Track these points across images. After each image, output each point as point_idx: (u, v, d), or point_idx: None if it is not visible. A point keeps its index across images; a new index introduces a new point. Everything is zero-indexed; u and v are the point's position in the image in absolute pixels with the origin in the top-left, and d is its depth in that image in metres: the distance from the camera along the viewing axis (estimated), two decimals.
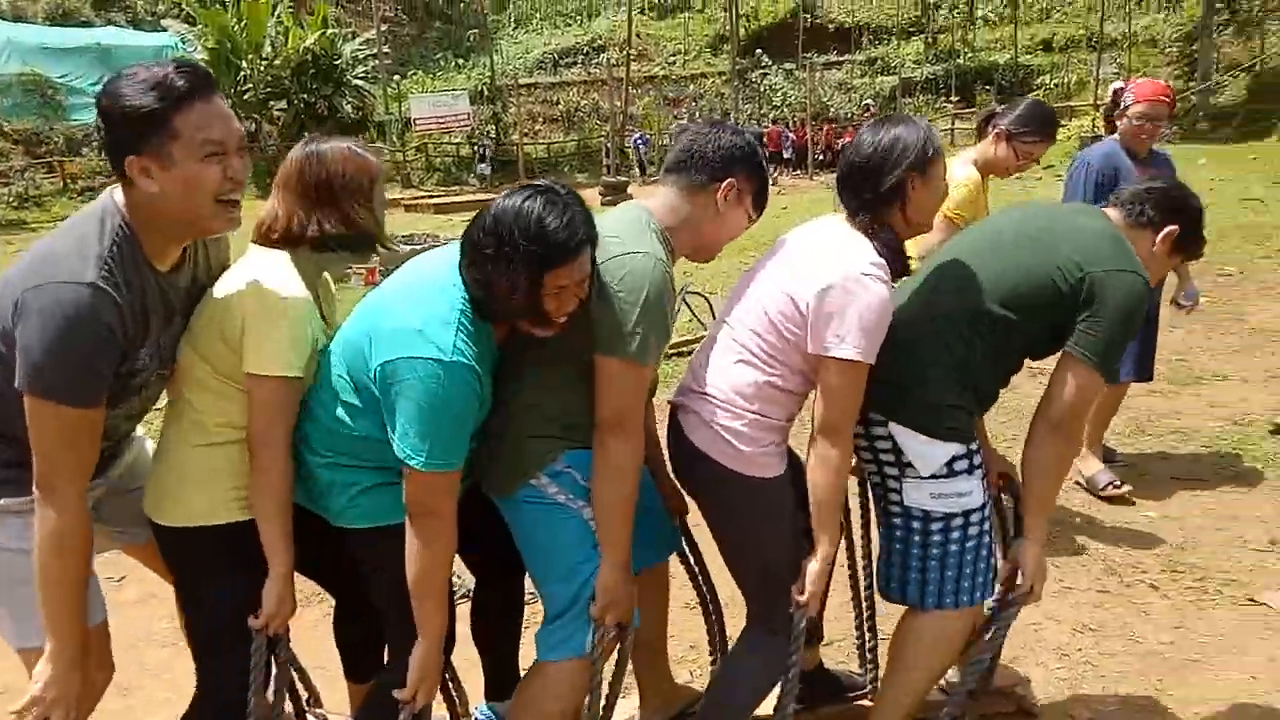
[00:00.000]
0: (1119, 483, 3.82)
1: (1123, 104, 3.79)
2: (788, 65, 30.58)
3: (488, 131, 29.26)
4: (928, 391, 2.00)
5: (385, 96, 28.27)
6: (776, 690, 2.14)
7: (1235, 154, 18.13)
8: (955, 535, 2.04)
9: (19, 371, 1.64)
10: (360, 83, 29.56)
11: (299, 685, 2.44)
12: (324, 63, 28.01)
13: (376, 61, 28.55)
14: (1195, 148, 19.47)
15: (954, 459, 2.01)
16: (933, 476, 2.01)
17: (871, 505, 2.26)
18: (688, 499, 2.26)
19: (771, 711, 2.16)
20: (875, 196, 1.96)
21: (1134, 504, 3.78)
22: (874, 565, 2.25)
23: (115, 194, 1.74)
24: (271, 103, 28.37)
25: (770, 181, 2.14)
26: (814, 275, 1.92)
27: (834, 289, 1.88)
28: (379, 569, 1.95)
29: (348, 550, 2.00)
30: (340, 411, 1.87)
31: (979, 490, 2.05)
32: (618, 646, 2.02)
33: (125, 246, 1.70)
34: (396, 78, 30.33)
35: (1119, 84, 4.07)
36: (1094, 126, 20.48)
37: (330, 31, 28.58)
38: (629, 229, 1.90)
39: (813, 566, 1.99)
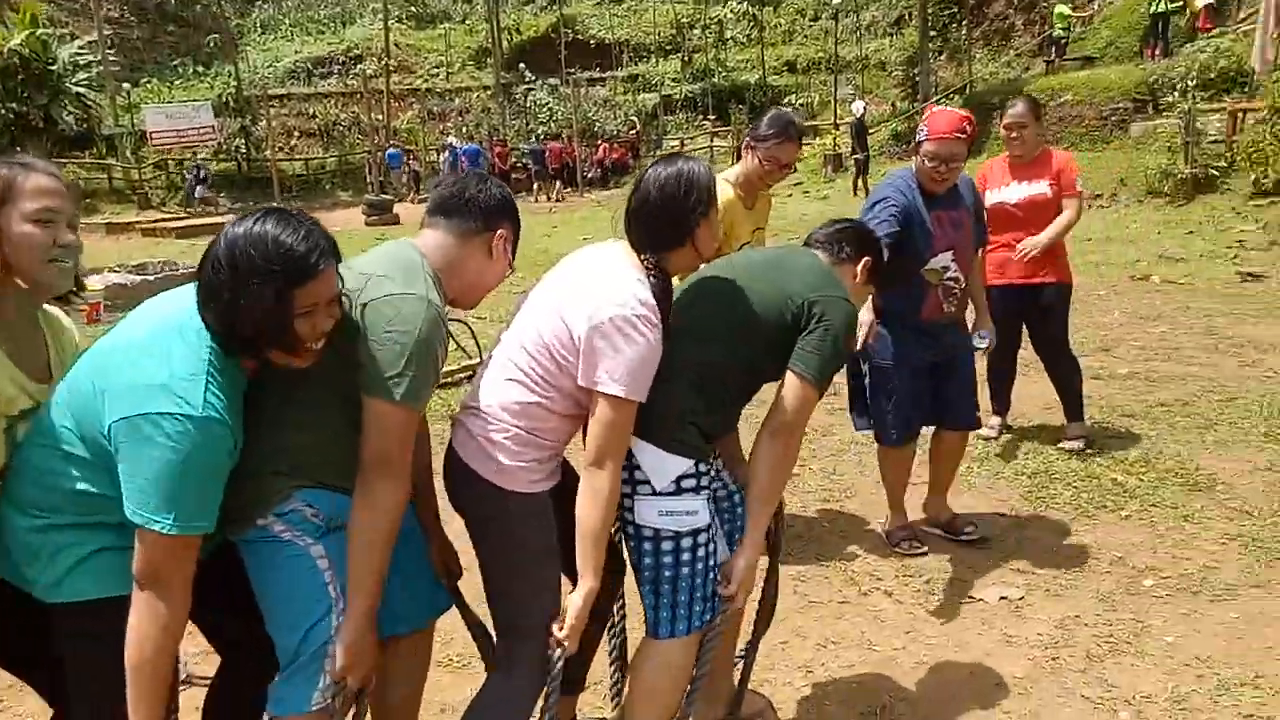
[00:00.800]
0: (919, 544, 3.70)
1: (917, 136, 3.47)
2: (552, 81, 30.84)
3: (237, 146, 27.31)
4: (658, 405, 2.03)
5: (114, 107, 25.71)
6: None
7: None
8: (685, 556, 2.10)
9: None
10: (83, 90, 26.66)
11: None
12: (36, 67, 25.01)
13: (101, 68, 25.92)
14: None
15: (683, 476, 2.08)
16: (662, 493, 2.07)
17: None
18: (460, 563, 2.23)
19: None
20: (672, 237, 2.05)
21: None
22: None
23: None
24: None
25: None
26: (589, 307, 1.95)
27: (605, 326, 1.92)
28: (94, 651, 1.73)
29: (57, 629, 1.76)
30: (61, 464, 1.71)
31: (704, 511, 2.12)
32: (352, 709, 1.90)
33: None
34: (127, 86, 27.70)
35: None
36: (836, 144, 22.17)
37: (42, 32, 25.57)
38: (402, 270, 1.87)
39: (574, 599, 1.97)
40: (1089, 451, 4.50)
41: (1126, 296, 8.21)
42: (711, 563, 2.15)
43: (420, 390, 1.80)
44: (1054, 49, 21.21)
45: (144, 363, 1.65)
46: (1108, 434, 4.77)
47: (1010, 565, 3.52)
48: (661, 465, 2.07)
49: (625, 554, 2.24)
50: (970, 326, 3.73)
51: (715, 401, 2.15)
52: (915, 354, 3.48)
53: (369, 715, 2.08)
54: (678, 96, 30.67)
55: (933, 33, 22.81)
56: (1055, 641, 2.99)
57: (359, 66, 31.20)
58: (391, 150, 26.12)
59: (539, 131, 28.90)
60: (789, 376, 2.13)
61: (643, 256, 2.04)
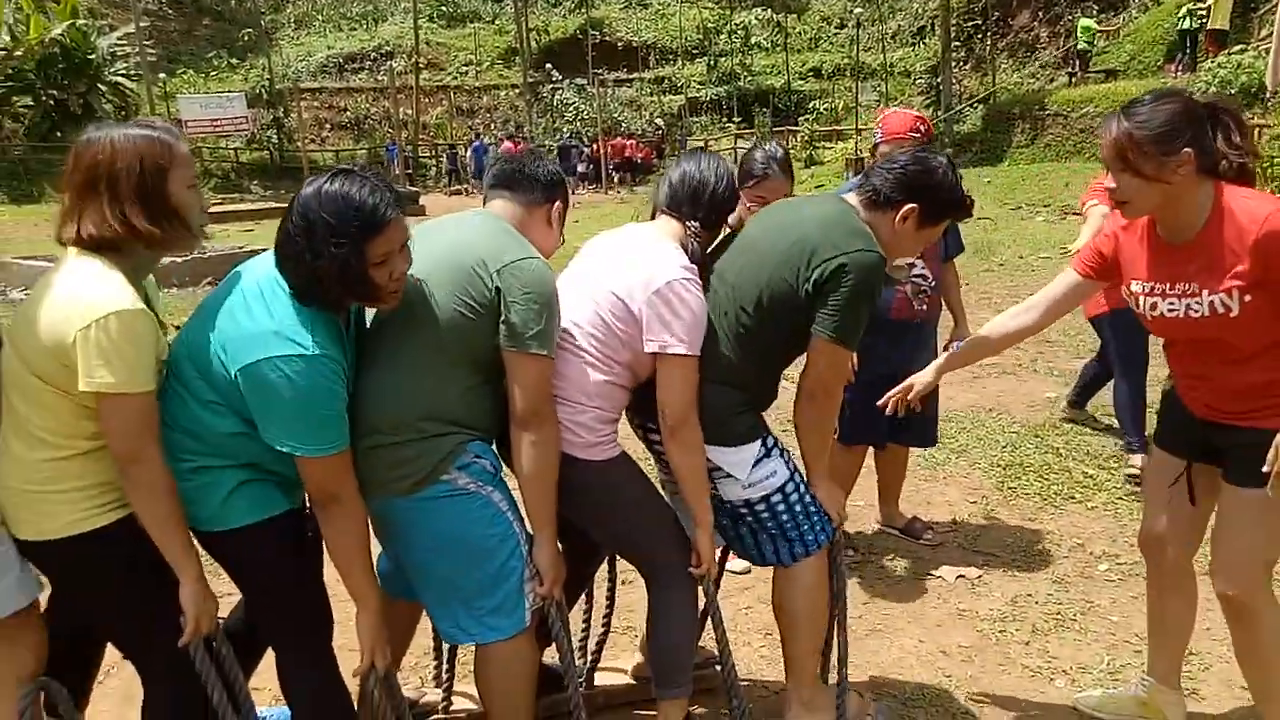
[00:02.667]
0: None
1: (874, 138, 3.53)
2: (579, 81, 31.14)
3: (270, 137, 27.84)
4: (709, 408, 2.21)
5: (150, 96, 26.23)
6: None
7: (973, 177, 20.21)
8: (780, 507, 2.30)
9: None
10: (120, 80, 27.28)
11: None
12: (76, 56, 25.64)
13: (138, 58, 26.46)
14: None
15: (756, 456, 2.27)
16: (745, 475, 2.26)
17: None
18: None
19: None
20: (713, 215, 2.31)
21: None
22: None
23: None
24: (14, 98, 25.66)
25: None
26: (642, 277, 2.16)
27: (664, 291, 2.13)
28: (260, 567, 1.99)
29: (222, 555, 1.99)
30: (200, 412, 1.88)
31: (781, 466, 2.31)
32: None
33: None
34: (163, 76, 28.27)
35: (889, 111, 3.87)
36: (858, 150, 22.25)
37: (82, 23, 26.22)
38: (510, 237, 2.08)
39: (702, 539, 2.24)
40: (1062, 448, 4.66)
41: None
42: (808, 497, 2.34)
43: (554, 340, 2.04)
44: (1078, 62, 21.22)
45: (255, 314, 1.83)
46: (1086, 432, 4.92)
47: (973, 548, 3.69)
48: (736, 459, 2.26)
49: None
50: (949, 337, 3.59)
51: (757, 378, 2.31)
52: (877, 361, 3.31)
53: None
54: (703, 99, 30.87)
55: (956, 43, 22.87)
56: (1004, 616, 3.17)
57: (389, 63, 31.62)
58: (477, 142, 27.13)
59: (564, 130, 29.21)
60: (813, 340, 2.21)
61: (688, 225, 2.29)
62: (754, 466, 2.27)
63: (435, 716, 2.53)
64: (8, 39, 24.77)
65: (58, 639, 2.13)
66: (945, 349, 3.42)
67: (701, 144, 27.64)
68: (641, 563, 2.40)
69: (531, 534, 2.12)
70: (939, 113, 21.00)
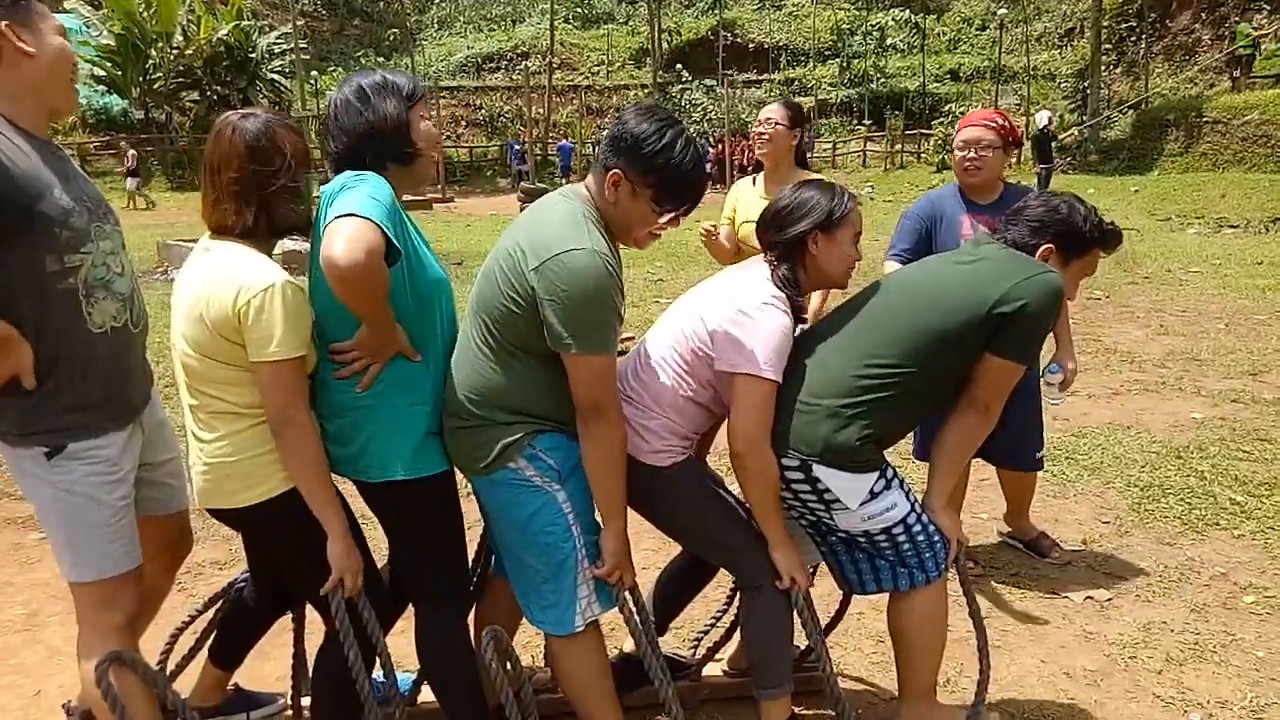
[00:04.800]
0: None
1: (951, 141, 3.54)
2: (708, 82, 31.15)
3: None
4: (840, 430, 2.15)
5: (303, 92, 27.74)
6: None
7: (1120, 186, 19.21)
8: (902, 538, 2.23)
9: None
10: (276, 76, 28.96)
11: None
12: (238, 54, 27.40)
13: (294, 56, 28.02)
14: (1085, 178, 20.59)
15: (873, 486, 2.20)
16: (860, 504, 2.19)
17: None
18: None
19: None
20: (780, 243, 2.24)
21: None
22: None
23: None
24: (183, 93, 27.58)
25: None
26: (723, 301, 2.19)
27: (736, 314, 2.13)
28: (429, 516, 2.12)
29: (394, 505, 2.12)
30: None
31: (902, 498, 2.23)
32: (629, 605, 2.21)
33: None
34: (315, 73, 29.82)
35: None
36: None
37: (245, 23, 27.94)
38: (563, 225, 1.97)
39: (777, 556, 2.21)
40: (1208, 471, 4.38)
41: None
42: (931, 527, 2.26)
43: (605, 336, 1.95)
44: (1238, 66, 19.86)
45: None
46: (1235, 456, 4.61)
47: (1103, 569, 3.51)
48: (851, 486, 2.17)
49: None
50: (1048, 359, 3.25)
51: (891, 416, 2.22)
52: None
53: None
54: (833, 101, 30.38)
55: (1107, 45, 21.74)
56: (1135, 642, 3.01)
57: (525, 63, 32.42)
58: (563, 142, 27.56)
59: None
60: (989, 358, 2.17)
61: (765, 256, 2.26)
62: (872, 498, 2.20)
63: (547, 695, 2.59)
64: (180, 39, 26.65)
65: (261, 594, 2.37)
66: (1043, 372, 3.27)
67: (830, 146, 27.27)
68: (724, 567, 2.40)
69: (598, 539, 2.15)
70: (1084, 117, 20.02)
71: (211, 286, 1.92)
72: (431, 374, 2.08)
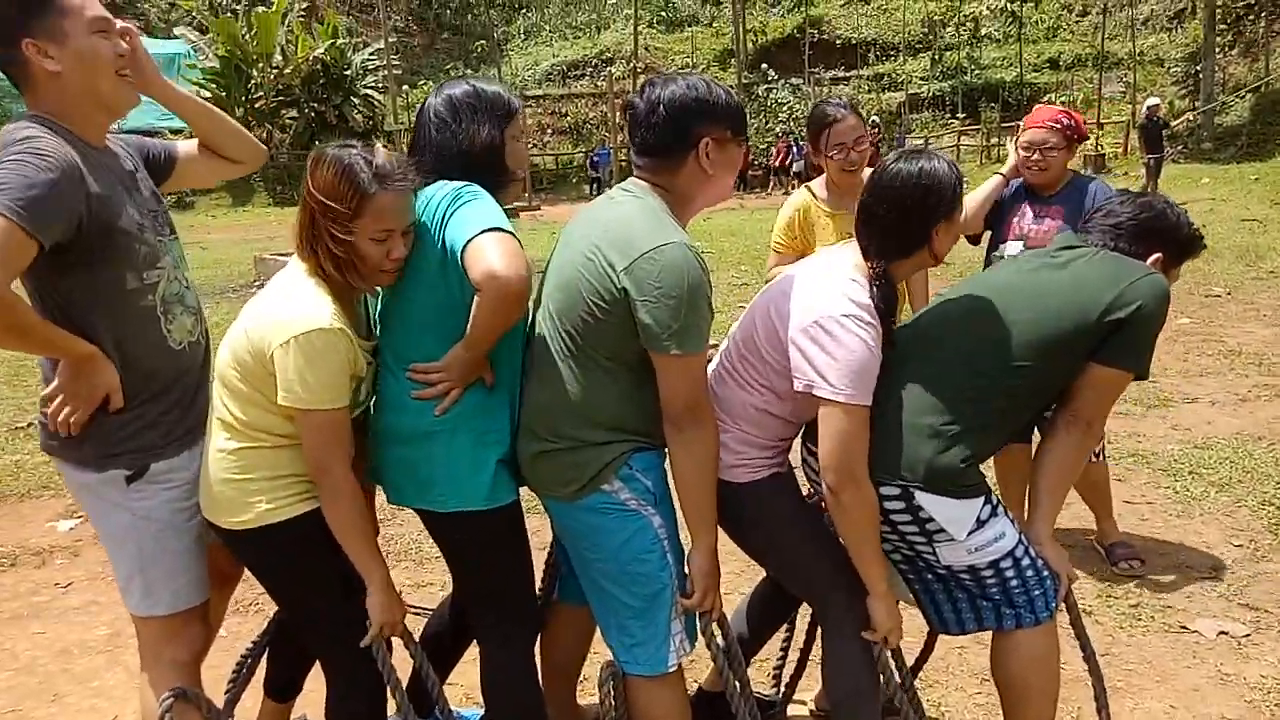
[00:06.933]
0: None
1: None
2: (794, 80, 30.67)
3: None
4: (943, 451, 1.94)
5: (395, 106, 28.43)
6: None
7: (1238, 174, 18.05)
8: (1010, 573, 2.01)
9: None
10: (370, 92, 29.78)
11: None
12: (334, 72, 28.29)
13: (386, 71, 28.77)
14: (1199, 167, 19.45)
15: (979, 514, 1.98)
16: (967, 534, 1.97)
17: None
18: None
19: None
20: (903, 244, 1.97)
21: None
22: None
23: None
24: (283, 111, 28.62)
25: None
26: (799, 310, 1.93)
27: (812, 328, 1.89)
28: (498, 548, 2.01)
29: (465, 536, 2.01)
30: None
31: (1009, 527, 2.01)
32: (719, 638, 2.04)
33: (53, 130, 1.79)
34: (406, 87, 30.54)
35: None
36: (1098, 145, 20.49)
37: (340, 41, 28.83)
38: (644, 221, 1.84)
39: (876, 609, 1.98)
40: None
41: None
42: (1039, 561, 2.04)
43: (703, 334, 1.82)
44: None
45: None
46: None
47: (1238, 600, 3.17)
48: (958, 514, 1.96)
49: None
50: None
51: (991, 432, 2.02)
52: None
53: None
54: (925, 95, 29.53)
55: (1222, 26, 20.52)
56: None
57: (609, 68, 32.52)
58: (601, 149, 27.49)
59: (777, 130, 28.89)
60: (1096, 368, 1.98)
61: (870, 263, 1.98)
62: (980, 527, 1.97)
63: None
64: (280, 59, 27.66)
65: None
66: None
67: (921, 141, 26.50)
68: (805, 600, 2.19)
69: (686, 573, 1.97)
70: (1196, 103, 18.90)
71: (265, 310, 1.84)
72: (505, 399, 1.96)
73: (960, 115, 27.95)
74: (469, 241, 1.73)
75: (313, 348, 1.74)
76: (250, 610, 3.30)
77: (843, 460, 1.87)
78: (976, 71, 29.71)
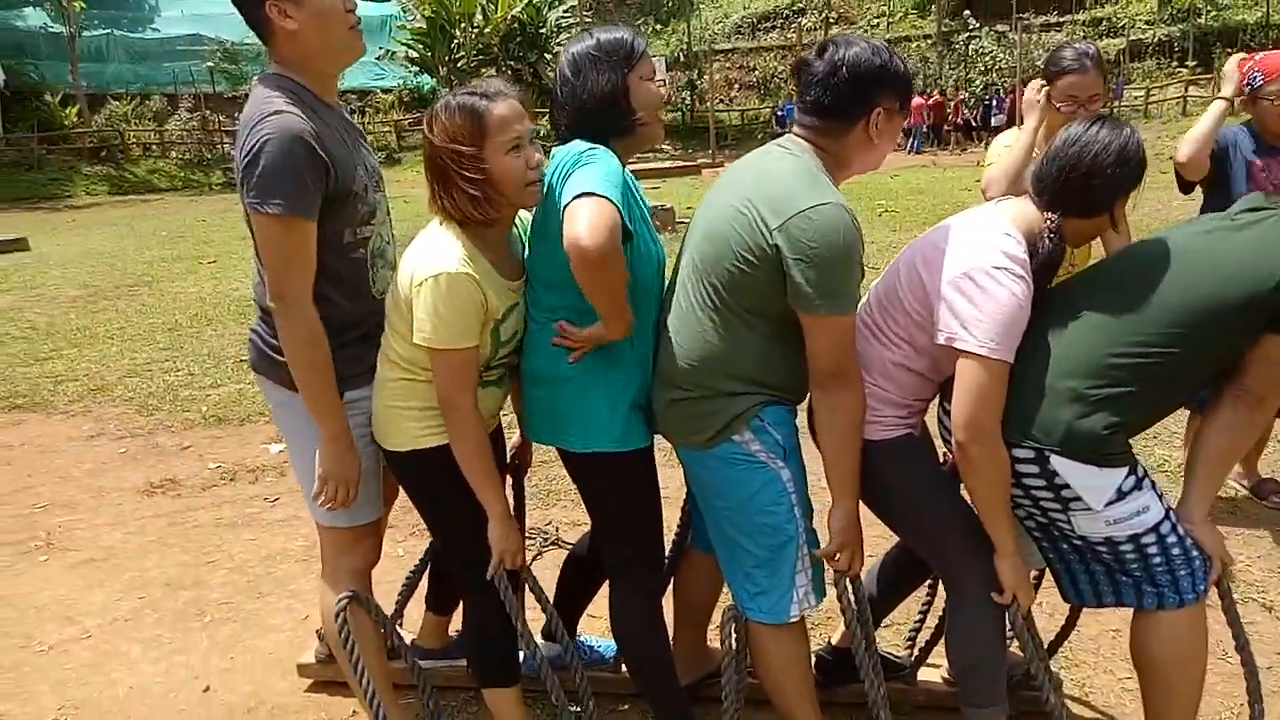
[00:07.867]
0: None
1: (1251, 84, 3.15)
2: (1000, 27, 28.74)
3: (684, 99, 29.45)
4: (1084, 416, 1.86)
5: None
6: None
7: None
8: (1153, 549, 1.93)
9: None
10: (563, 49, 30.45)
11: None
12: (530, 30, 29.14)
13: (579, 29, 29.34)
14: None
15: (1121, 484, 1.90)
16: (1105, 504, 1.90)
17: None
18: None
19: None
20: (1087, 204, 1.93)
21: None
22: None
23: (268, 69, 2.05)
24: (482, 70, 29.81)
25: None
26: (949, 261, 1.90)
27: (960, 278, 1.86)
28: (633, 490, 2.13)
29: (602, 476, 2.13)
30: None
31: (1156, 502, 1.92)
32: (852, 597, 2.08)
33: (294, 91, 1.99)
34: None
35: (1241, 55, 3.20)
36: None
37: (536, 0, 29.59)
38: (800, 179, 1.85)
39: (1003, 567, 1.95)
40: None
41: None
42: (1188, 540, 1.95)
43: (854, 294, 1.84)
44: None
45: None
46: None
47: None
48: (1096, 483, 1.88)
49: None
50: None
51: (1145, 402, 1.91)
52: None
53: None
54: (1148, 40, 26.91)
55: None
56: None
57: (800, 19, 31.69)
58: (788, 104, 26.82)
59: (979, 82, 27.24)
60: (1273, 340, 1.84)
61: (1046, 215, 1.94)
62: (1120, 498, 1.88)
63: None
64: (480, 18, 28.78)
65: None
66: None
67: (1141, 93, 24.28)
68: (933, 566, 2.17)
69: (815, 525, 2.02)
70: None
71: (409, 257, 2.00)
72: (639, 348, 2.05)
73: (1190, 63, 25.29)
74: (566, 206, 1.80)
75: (439, 291, 1.89)
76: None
77: (974, 415, 1.83)
78: (1214, 13, 26.72)
